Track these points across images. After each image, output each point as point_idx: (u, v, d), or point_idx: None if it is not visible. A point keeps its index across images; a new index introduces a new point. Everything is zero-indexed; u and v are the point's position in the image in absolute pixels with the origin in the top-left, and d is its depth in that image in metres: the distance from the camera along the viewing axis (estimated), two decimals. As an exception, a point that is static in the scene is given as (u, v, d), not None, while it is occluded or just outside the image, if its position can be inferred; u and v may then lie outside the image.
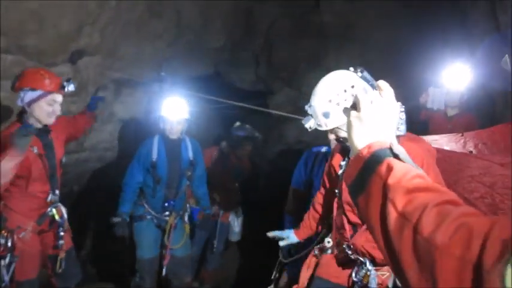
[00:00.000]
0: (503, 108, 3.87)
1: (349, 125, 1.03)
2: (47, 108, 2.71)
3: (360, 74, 1.88)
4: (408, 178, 0.81)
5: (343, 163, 2.29)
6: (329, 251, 2.47)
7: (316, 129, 5.16)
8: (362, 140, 0.97)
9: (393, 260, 0.76)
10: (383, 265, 2.25)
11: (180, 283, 3.81)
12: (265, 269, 3.91)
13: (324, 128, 2.01)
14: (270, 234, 2.79)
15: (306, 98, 6.01)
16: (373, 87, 1.85)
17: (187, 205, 3.82)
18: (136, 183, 3.62)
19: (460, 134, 2.76)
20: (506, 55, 3.59)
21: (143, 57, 4.49)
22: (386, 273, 2.27)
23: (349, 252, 2.27)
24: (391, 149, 0.92)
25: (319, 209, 2.70)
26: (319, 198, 2.70)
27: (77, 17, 3.51)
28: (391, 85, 2.17)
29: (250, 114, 5.79)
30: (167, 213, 3.60)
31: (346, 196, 2.24)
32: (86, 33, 3.71)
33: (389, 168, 0.84)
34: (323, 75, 6.08)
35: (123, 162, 5.41)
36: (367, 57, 5.16)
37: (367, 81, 1.91)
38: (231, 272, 4.98)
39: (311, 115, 2.02)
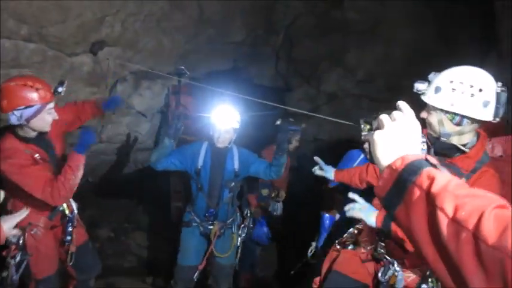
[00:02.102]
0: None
1: (373, 143, 1.04)
2: (48, 118, 2.63)
3: (500, 89, 1.84)
4: (453, 185, 0.81)
5: None
6: (350, 246, 2.42)
7: (334, 128, 5.01)
8: (388, 156, 0.99)
9: (450, 267, 0.76)
10: (410, 267, 2.21)
11: None
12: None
13: (425, 99, 1.99)
14: (317, 158, 2.96)
15: (325, 95, 5.96)
16: (497, 111, 1.86)
17: (237, 214, 3.73)
18: (169, 160, 3.44)
19: (488, 139, 2.67)
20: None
21: (163, 50, 4.45)
22: (411, 276, 2.23)
23: (381, 247, 2.21)
24: (427, 160, 0.92)
25: (371, 176, 2.72)
26: (376, 168, 2.64)
27: (100, 7, 3.49)
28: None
29: (268, 110, 5.74)
30: (210, 222, 3.54)
31: None
32: (108, 24, 3.69)
33: (431, 178, 0.84)
34: (343, 73, 6.00)
35: (139, 155, 5.43)
36: (391, 56, 5.05)
37: (499, 100, 1.86)
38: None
39: (428, 81, 2.01)
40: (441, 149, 2.05)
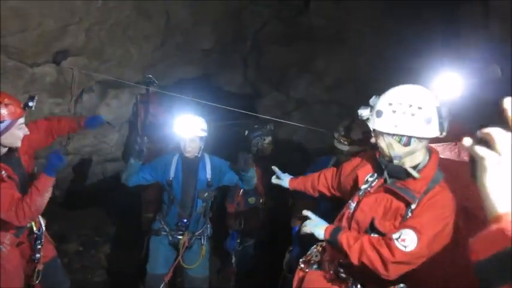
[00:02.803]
0: (491, 117, 3.85)
1: (483, 169, 0.77)
2: (18, 133, 2.59)
3: (437, 104, 1.87)
4: None
5: (370, 179, 2.19)
6: (315, 266, 2.38)
7: (305, 133, 4.97)
8: (501, 198, 0.71)
9: None
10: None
11: None
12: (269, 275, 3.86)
13: (370, 125, 2.00)
14: (274, 167, 2.92)
15: (294, 101, 5.97)
16: (442, 126, 1.86)
17: (208, 226, 3.66)
18: (140, 176, 3.42)
19: (454, 143, 2.71)
20: (495, 64, 3.58)
21: (130, 58, 4.37)
22: None
23: (342, 270, 2.19)
24: None
25: (322, 185, 2.70)
26: (327, 177, 2.69)
27: (62, 16, 3.39)
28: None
29: (238, 117, 5.72)
30: (180, 232, 3.50)
31: (359, 215, 2.15)
32: (71, 33, 3.59)
33: None
34: (312, 79, 6.00)
35: (108, 166, 5.31)
36: (357, 62, 5.10)
37: (440, 115, 1.87)
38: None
39: (371, 106, 2.01)
40: (394, 172, 2.06)
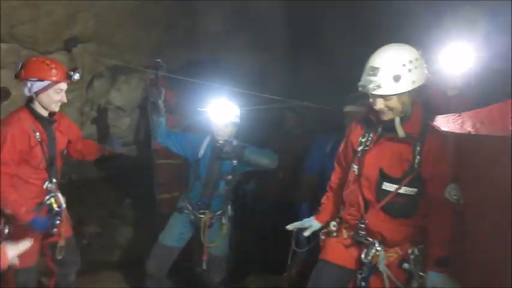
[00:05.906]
0: (503, 87, 3.78)
1: None
2: (55, 96, 2.81)
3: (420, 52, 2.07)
4: None
5: (363, 139, 2.31)
6: (334, 234, 2.48)
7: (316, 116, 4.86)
8: None
9: None
10: (391, 246, 2.28)
11: (210, 281, 3.81)
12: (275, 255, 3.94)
13: (387, 92, 2.05)
14: (290, 227, 2.67)
15: (300, 82, 5.89)
16: None
17: (229, 207, 3.75)
18: (167, 141, 3.60)
19: (458, 114, 2.72)
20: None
21: (139, 43, 4.45)
22: (393, 255, 2.30)
23: (361, 229, 2.29)
24: None
25: (338, 190, 2.58)
26: (335, 179, 2.63)
27: (71, 3, 3.47)
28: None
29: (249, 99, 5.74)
30: (202, 210, 3.59)
31: (366, 171, 2.26)
32: (81, 20, 3.67)
33: None
34: (321, 62, 5.91)
35: (121, 150, 5.40)
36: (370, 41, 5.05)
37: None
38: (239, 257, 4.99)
39: (370, 79, 2.06)
40: (388, 127, 2.21)
